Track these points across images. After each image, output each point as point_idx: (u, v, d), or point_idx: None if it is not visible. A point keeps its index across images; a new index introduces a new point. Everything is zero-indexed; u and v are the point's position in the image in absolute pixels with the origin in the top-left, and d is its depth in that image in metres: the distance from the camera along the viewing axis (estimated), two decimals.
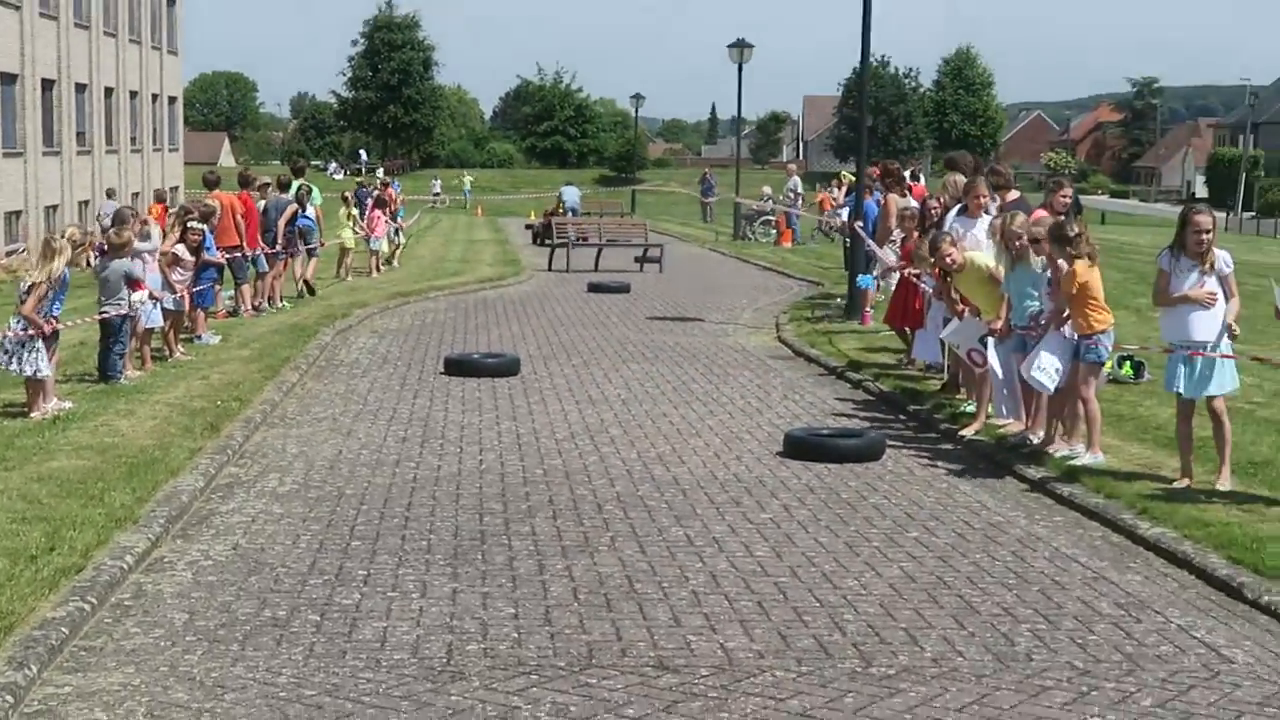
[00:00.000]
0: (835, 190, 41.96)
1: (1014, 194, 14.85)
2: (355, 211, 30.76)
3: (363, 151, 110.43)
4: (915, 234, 17.16)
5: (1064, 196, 14.01)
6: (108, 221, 24.81)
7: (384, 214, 31.17)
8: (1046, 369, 11.93)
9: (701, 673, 6.90)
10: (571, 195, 52.08)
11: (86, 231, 14.81)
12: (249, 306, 21.74)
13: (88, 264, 14.77)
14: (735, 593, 8.26)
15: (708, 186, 64.25)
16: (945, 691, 6.68)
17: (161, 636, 7.29)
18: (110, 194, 25.84)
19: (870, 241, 20.74)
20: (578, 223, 39.77)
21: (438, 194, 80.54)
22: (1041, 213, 13.59)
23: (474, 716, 6.26)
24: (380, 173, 74.26)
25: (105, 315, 14.38)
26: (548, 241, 36.91)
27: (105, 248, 14.68)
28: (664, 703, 6.48)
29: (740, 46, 46.87)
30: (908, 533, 9.76)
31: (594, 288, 28.78)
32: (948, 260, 13.15)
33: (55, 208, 45.08)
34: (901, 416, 14.53)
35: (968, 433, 12.99)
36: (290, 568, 8.61)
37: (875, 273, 21.15)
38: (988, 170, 15.45)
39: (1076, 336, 11.79)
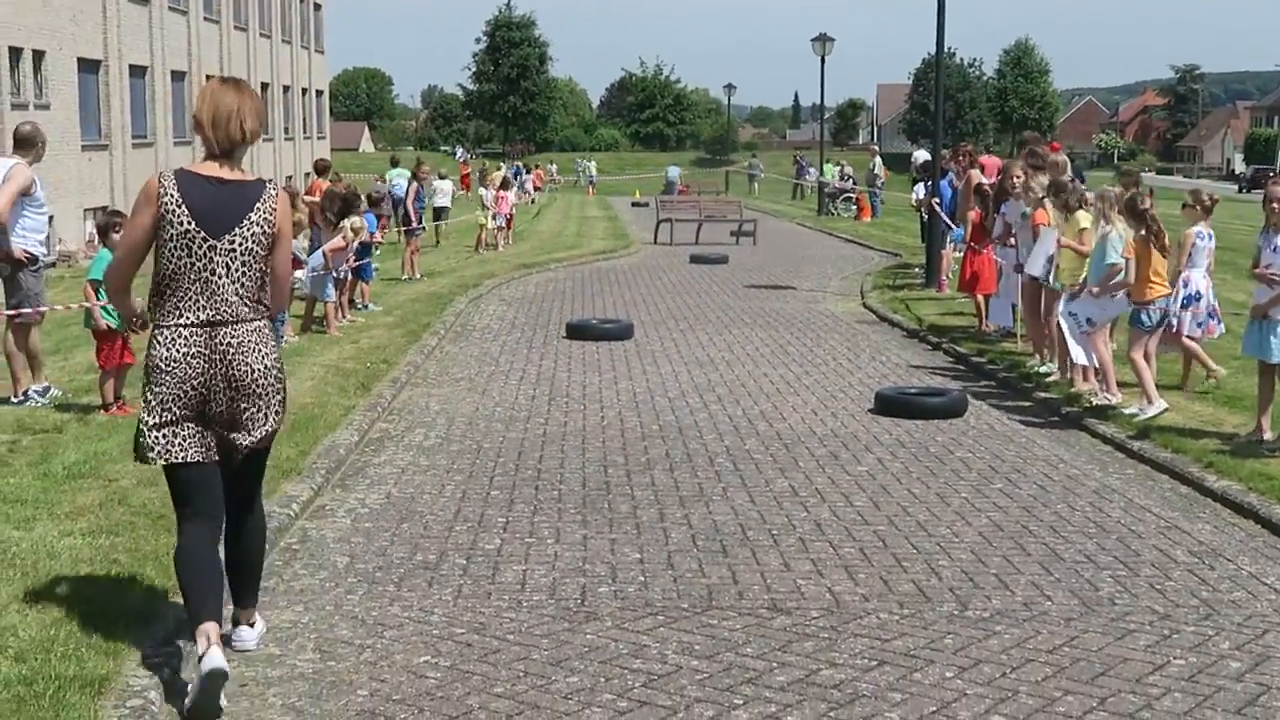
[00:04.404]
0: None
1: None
2: (484, 193, 30.89)
3: (459, 148, 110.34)
4: (975, 212, 16.95)
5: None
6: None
7: (509, 194, 31.24)
8: (1077, 314, 11.81)
9: (812, 614, 6.71)
10: (673, 172, 53.02)
11: None
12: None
13: None
14: (839, 540, 8.06)
15: (801, 167, 63.75)
16: (1037, 634, 6.45)
17: (326, 578, 7.22)
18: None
19: (946, 219, 20.41)
20: (678, 201, 39.65)
21: (553, 177, 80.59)
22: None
23: (608, 654, 6.12)
24: (504, 162, 74.26)
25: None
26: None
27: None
28: (779, 642, 6.30)
29: (823, 40, 46.27)
30: (993, 484, 9.51)
31: (695, 259, 28.56)
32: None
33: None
34: (978, 376, 14.23)
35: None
36: (437, 515, 8.52)
37: (952, 249, 20.81)
38: (1026, 152, 15.02)
39: (1129, 302, 11.59)
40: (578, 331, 16.79)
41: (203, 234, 5.51)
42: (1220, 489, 9.16)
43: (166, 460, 5.55)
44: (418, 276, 22.78)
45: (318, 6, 65.46)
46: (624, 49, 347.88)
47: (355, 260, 17.29)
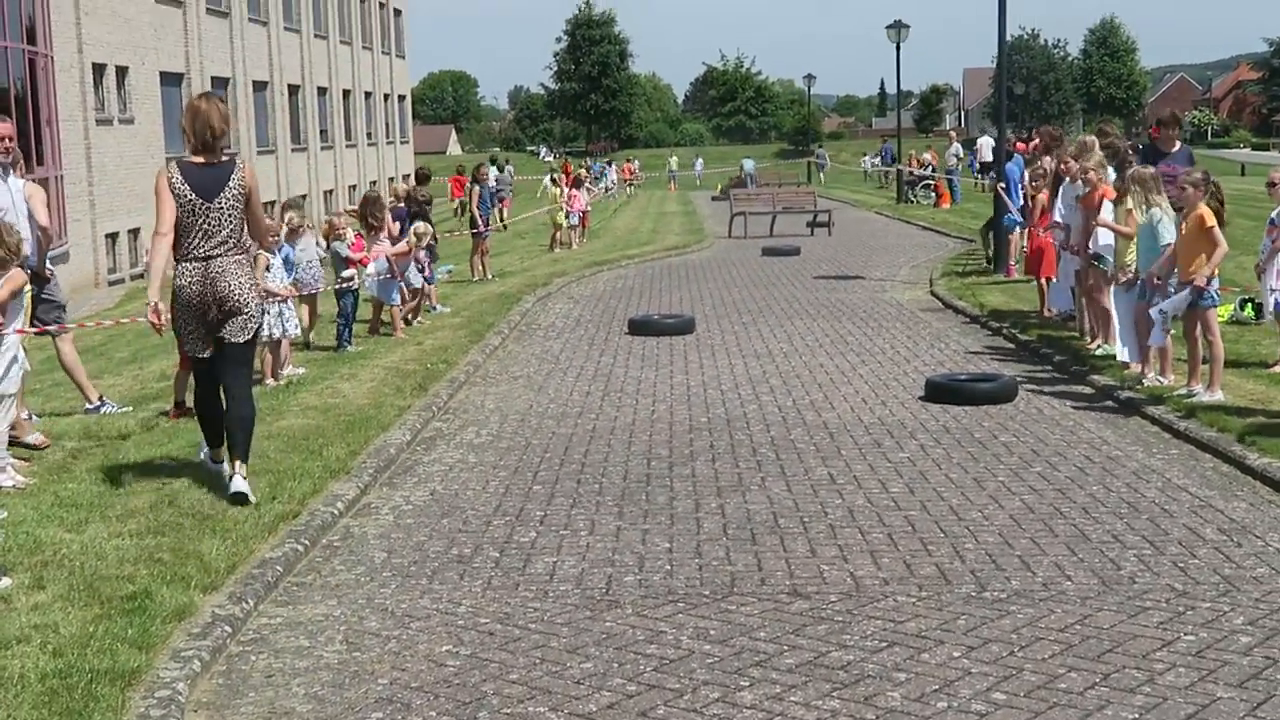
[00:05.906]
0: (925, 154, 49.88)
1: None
2: (556, 191, 31.29)
3: (544, 148, 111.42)
4: (1044, 193, 16.88)
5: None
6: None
7: (580, 193, 31.59)
8: (1167, 312, 11.55)
9: (830, 598, 6.85)
10: (748, 165, 53.59)
11: (303, 218, 14.87)
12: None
13: (326, 246, 15.18)
14: (868, 525, 8.18)
15: (887, 156, 63.44)
16: (1051, 613, 6.54)
17: (362, 573, 7.46)
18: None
19: (1010, 202, 20.34)
20: (750, 194, 39.80)
21: (635, 173, 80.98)
22: None
23: (624, 640, 6.30)
24: (588, 159, 74.84)
25: (311, 292, 14.92)
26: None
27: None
28: (793, 626, 6.45)
29: (898, 27, 46.03)
30: (1032, 468, 9.56)
31: (767, 251, 28.65)
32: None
33: (304, 197, 46.19)
34: (1036, 361, 14.22)
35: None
36: (478, 510, 8.75)
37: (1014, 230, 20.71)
38: (1097, 130, 15.27)
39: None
40: (640, 327, 16.98)
41: (201, 200, 8.31)
42: (1260, 466, 9.14)
43: (189, 352, 8.73)
44: (489, 277, 23.10)
45: (398, 12, 66.21)
46: (708, 43, 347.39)
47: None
